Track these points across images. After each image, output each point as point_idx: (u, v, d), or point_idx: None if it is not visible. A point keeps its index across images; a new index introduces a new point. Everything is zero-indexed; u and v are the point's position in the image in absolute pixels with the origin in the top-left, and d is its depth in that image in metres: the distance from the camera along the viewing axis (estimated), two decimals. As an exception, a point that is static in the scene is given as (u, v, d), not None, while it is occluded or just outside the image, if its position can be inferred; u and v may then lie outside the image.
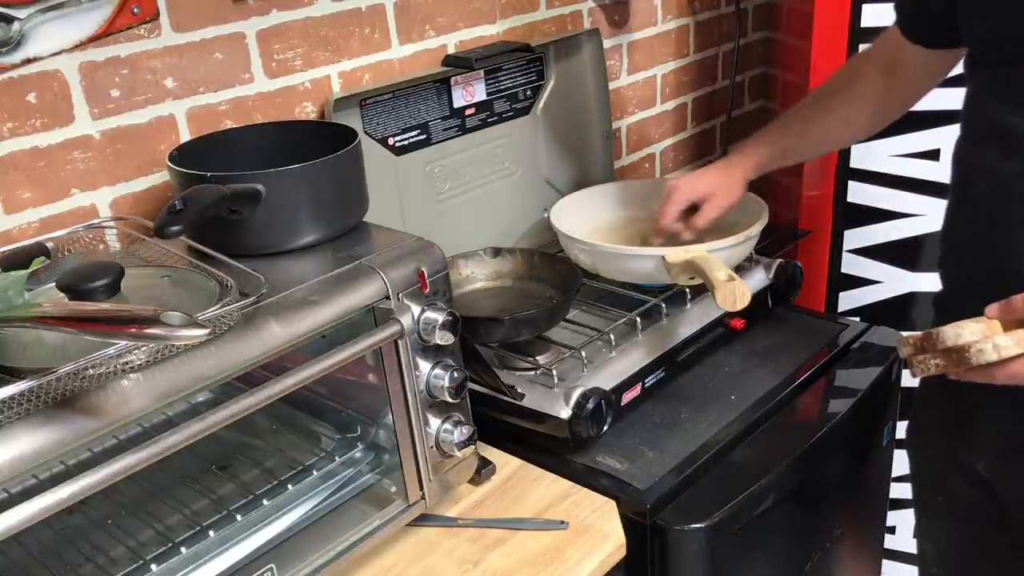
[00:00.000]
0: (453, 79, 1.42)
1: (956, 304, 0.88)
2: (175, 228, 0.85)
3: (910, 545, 1.73)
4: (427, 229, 1.10)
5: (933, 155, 1.56)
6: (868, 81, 1.19)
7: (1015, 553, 1.04)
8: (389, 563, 1.01)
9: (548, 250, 1.43)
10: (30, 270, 0.85)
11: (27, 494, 0.69)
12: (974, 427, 1.07)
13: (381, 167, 1.34)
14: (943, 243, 1.07)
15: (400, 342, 0.94)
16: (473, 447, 1.03)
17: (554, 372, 1.16)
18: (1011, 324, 0.86)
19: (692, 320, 1.31)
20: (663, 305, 1.30)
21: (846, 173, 1.64)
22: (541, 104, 1.56)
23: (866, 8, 1.55)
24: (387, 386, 0.96)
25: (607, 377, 1.17)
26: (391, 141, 1.36)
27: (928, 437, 1.18)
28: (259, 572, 0.91)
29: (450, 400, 0.99)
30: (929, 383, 1.16)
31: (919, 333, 0.89)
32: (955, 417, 1.10)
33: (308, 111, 1.28)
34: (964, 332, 0.86)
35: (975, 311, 0.87)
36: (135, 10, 1.07)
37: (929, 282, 1.59)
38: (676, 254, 1.24)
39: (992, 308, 0.87)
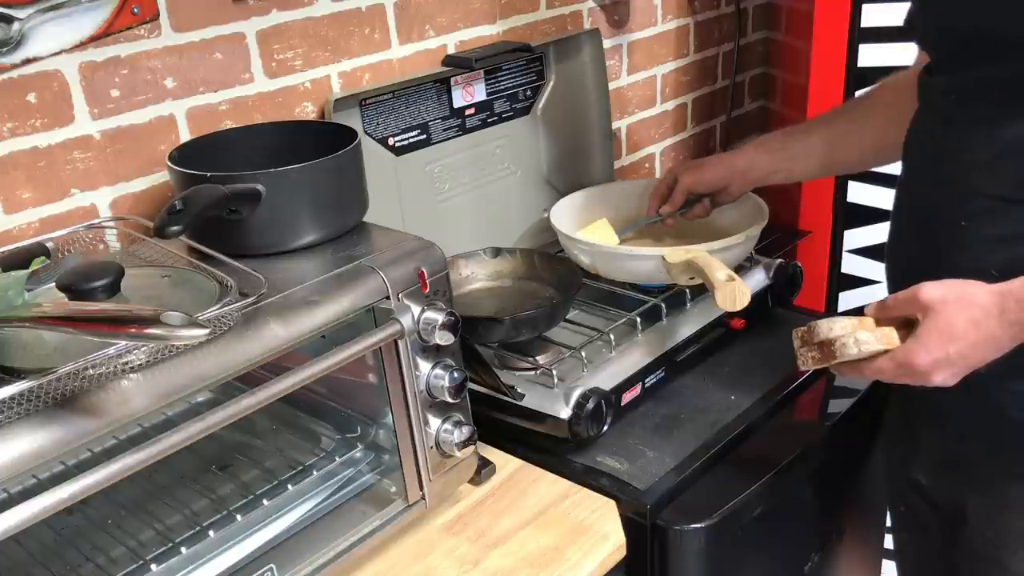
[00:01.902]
0: (453, 79, 1.42)
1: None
2: (175, 228, 0.85)
3: (910, 545, 1.73)
4: (427, 229, 1.10)
5: (933, 155, 1.56)
6: (902, 99, 1.08)
7: (970, 561, 1.04)
8: (389, 563, 1.01)
9: (548, 250, 1.43)
10: (30, 270, 0.85)
11: (27, 494, 0.69)
12: (917, 443, 1.09)
13: (381, 167, 1.34)
14: (887, 258, 1.08)
15: (400, 342, 0.94)
16: (473, 447, 1.03)
17: (554, 372, 1.16)
18: (888, 322, 0.87)
19: (692, 320, 1.31)
20: (663, 305, 1.30)
21: (846, 173, 1.64)
22: (541, 104, 1.56)
23: (866, 8, 1.55)
24: (387, 386, 0.96)
25: (607, 377, 1.17)
26: (391, 141, 1.36)
27: (888, 450, 1.20)
28: (259, 572, 0.91)
29: (450, 400, 0.99)
30: (891, 401, 1.17)
31: (806, 327, 0.91)
32: (902, 433, 1.12)
33: (308, 111, 1.28)
34: (835, 326, 0.88)
35: None
36: (135, 10, 1.07)
37: (929, 282, 1.59)
38: (676, 254, 1.24)
39: (871, 307, 0.89)
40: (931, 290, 0.83)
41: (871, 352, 0.86)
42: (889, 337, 0.86)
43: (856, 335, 0.86)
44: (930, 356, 0.82)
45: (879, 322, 0.88)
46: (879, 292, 1.69)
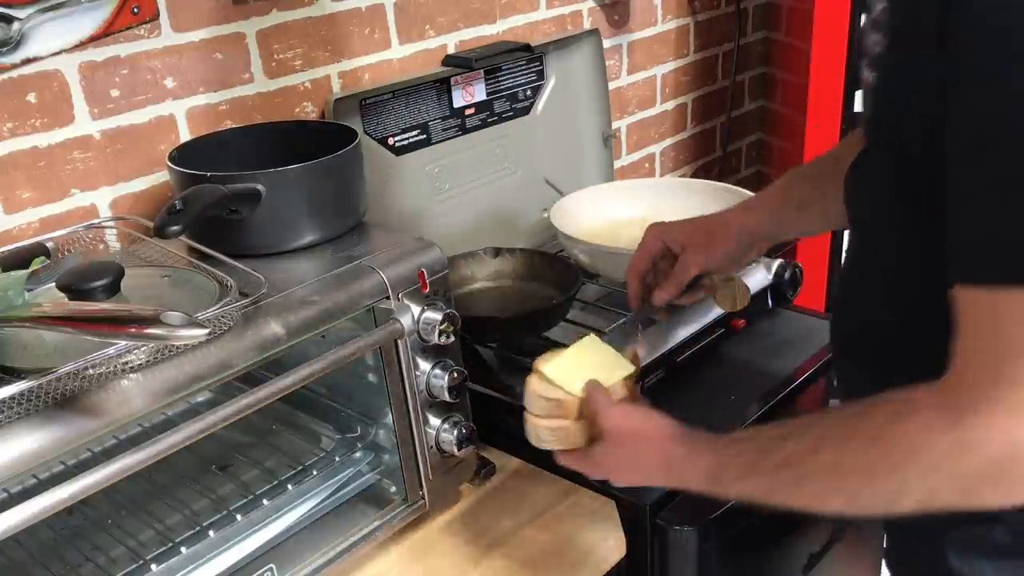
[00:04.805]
0: (453, 79, 1.42)
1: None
2: (175, 228, 0.85)
3: (910, 545, 1.73)
4: (427, 229, 1.10)
5: (933, 155, 1.56)
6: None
7: None
8: (389, 563, 1.01)
9: (548, 250, 1.43)
10: (30, 270, 0.85)
11: (27, 494, 0.69)
12: None
13: (381, 167, 1.34)
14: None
15: (400, 342, 0.94)
16: (473, 447, 1.03)
17: (554, 372, 1.15)
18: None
19: (692, 320, 1.31)
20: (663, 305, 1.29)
21: (846, 173, 1.63)
22: (541, 104, 1.56)
23: (866, 8, 1.55)
24: (387, 386, 0.96)
25: (607, 377, 1.16)
26: (391, 141, 1.36)
27: None
28: (259, 572, 0.91)
29: (450, 400, 0.99)
30: None
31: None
32: None
33: (308, 111, 1.28)
34: (530, 385, 0.89)
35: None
36: (135, 10, 1.07)
37: (929, 282, 1.59)
38: (676, 254, 1.23)
39: (585, 386, 0.88)
40: (608, 421, 0.86)
41: (550, 440, 0.90)
42: (569, 435, 0.88)
43: (538, 427, 0.89)
44: (599, 470, 0.90)
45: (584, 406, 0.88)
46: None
